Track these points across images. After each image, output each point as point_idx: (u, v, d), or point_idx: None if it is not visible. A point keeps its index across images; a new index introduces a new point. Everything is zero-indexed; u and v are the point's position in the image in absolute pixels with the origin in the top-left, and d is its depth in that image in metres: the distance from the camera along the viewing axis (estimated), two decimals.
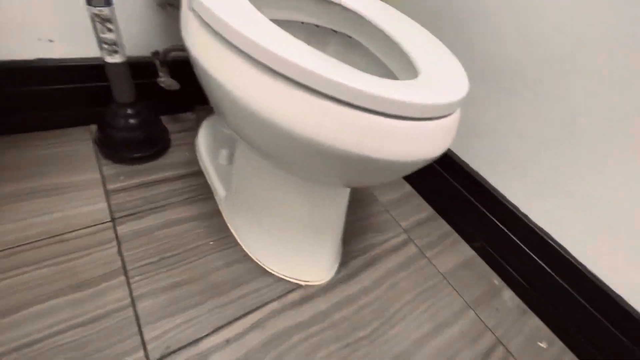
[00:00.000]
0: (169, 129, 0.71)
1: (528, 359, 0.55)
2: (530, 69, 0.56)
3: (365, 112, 0.28)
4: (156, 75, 0.66)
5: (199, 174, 0.66)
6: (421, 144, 0.30)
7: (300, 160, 0.35)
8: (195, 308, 0.47)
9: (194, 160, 0.68)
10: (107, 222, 0.54)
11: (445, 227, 0.73)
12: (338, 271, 0.58)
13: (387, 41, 0.42)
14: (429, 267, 0.64)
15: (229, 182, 0.61)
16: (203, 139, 0.70)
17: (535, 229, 0.60)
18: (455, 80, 0.33)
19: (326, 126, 0.29)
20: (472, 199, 0.69)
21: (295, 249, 0.53)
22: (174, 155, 0.67)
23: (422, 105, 0.28)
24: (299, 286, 0.54)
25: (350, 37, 0.48)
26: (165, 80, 0.63)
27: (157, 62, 0.63)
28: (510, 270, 0.65)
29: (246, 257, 0.55)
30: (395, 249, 0.65)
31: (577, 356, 0.57)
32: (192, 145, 0.71)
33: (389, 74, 0.45)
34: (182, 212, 0.58)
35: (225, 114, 0.38)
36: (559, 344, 0.59)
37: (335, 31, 0.50)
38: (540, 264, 0.60)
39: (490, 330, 0.57)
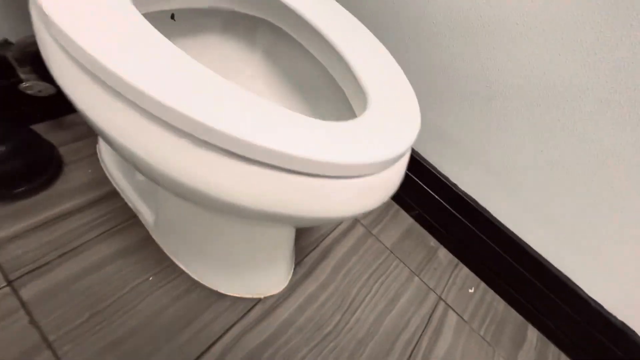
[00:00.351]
0: (54, 141, 0.56)
1: (462, 306, 0.65)
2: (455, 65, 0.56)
3: (299, 175, 0.25)
4: (14, 74, 0.48)
5: (113, 194, 0.55)
6: (366, 199, 0.28)
7: (225, 213, 0.31)
8: (151, 358, 0.43)
9: (101, 178, 0.56)
10: (3, 287, 0.42)
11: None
12: (295, 272, 0.57)
13: (326, 46, 0.36)
14: (377, 245, 0.68)
15: (155, 202, 0.53)
16: (108, 149, 0.57)
17: (463, 195, 0.67)
18: (406, 113, 0.30)
19: (249, 191, 0.26)
20: (408, 172, 0.72)
21: (248, 268, 0.50)
22: (72, 177, 0.54)
23: (367, 164, 0.25)
24: (258, 300, 0.52)
25: (280, 27, 0.41)
26: (32, 85, 0.47)
27: (13, 60, 0.46)
28: (443, 231, 0.73)
29: (196, 284, 0.50)
30: (345, 233, 0.67)
31: (496, 292, 0.70)
32: (94, 158, 0.58)
33: (327, 77, 0.40)
34: (103, 249, 0.49)
35: (124, 158, 0.31)
36: (483, 286, 0.70)
37: (262, 19, 0.41)
38: (466, 224, 0.69)
39: (433, 290, 0.65)
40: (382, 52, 0.36)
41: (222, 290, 0.51)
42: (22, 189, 0.48)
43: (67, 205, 0.51)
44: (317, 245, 0.63)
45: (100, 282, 0.46)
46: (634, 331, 0.58)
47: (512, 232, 0.65)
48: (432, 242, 0.73)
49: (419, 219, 0.75)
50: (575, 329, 0.63)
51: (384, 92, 0.31)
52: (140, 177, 0.55)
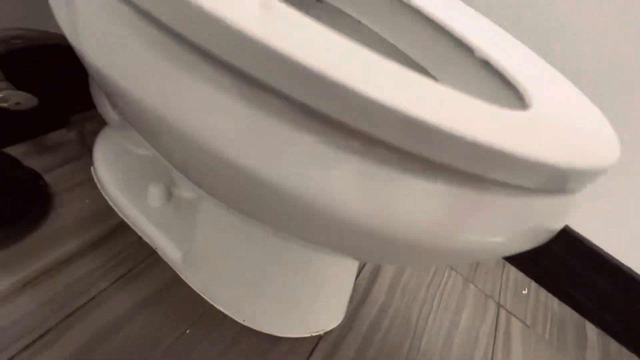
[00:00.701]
0: (37, 167, 0.44)
1: (521, 311, 0.60)
2: None
3: (487, 185, 0.17)
4: None
5: (122, 227, 0.44)
6: (549, 227, 0.20)
7: (301, 232, 0.22)
8: None
9: (103, 209, 0.44)
10: None
11: None
12: (351, 298, 0.49)
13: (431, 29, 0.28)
14: None
15: (184, 234, 0.42)
16: (108, 171, 0.46)
17: None
18: (588, 116, 0.23)
19: (397, 203, 0.17)
20: None
21: (307, 302, 0.41)
22: (66, 212, 0.42)
23: (587, 171, 0.18)
24: (319, 338, 0.43)
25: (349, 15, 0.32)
26: (7, 96, 0.35)
27: None
28: None
29: (244, 330, 0.41)
30: None
31: (548, 291, 0.66)
32: (90, 184, 0.46)
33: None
34: (120, 302, 0.38)
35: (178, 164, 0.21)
36: (534, 285, 0.66)
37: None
38: None
39: (490, 297, 0.60)
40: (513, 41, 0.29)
41: (276, 333, 0.42)
42: (1, 235, 0.36)
43: (64, 250, 0.39)
44: (365, 264, 0.55)
45: (123, 346, 0.35)
46: None
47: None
48: None
49: None
50: (637, 321, 0.60)
51: (545, 87, 0.24)
52: (155, 202, 0.44)
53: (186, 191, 0.46)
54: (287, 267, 0.37)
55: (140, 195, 0.45)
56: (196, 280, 0.41)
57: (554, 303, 0.65)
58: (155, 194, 0.44)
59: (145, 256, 0.42)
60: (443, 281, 0.58)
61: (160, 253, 0.43)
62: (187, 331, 0.38)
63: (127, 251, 0.42)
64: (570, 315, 0.64)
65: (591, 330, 0.63)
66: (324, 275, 0.39)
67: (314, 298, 0.41)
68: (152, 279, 0.41)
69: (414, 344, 0.48)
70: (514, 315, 0.59)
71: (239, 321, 0.41)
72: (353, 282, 0.45)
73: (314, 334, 0.43)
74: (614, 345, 0.62)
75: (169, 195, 0.45)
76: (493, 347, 0.53)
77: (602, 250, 0.60)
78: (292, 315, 0.42)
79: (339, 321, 0.46)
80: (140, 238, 0.44)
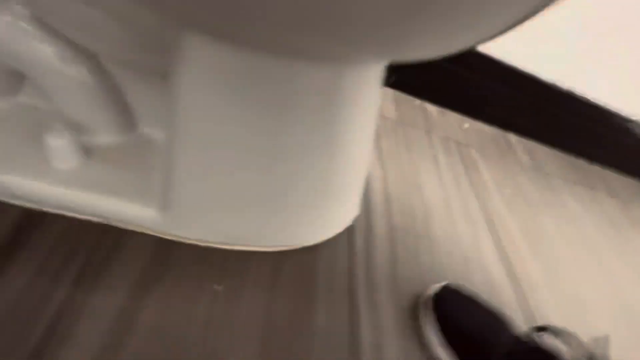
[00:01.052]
0: None
1: (474, 142, 0.68)
2: None
3: None
4: None
5: (33, 218, 0.28)
6: None
7: None
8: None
9: None
10: None
11: None
12: None
13: None
14: (382, 121, 0.60)
15: (145, 185, 0.30)
16: None
17: None
18: None
19: None
20: None
21: (334, 194, 0.36)
22: None
23: None
24: (352, 228, 0.40)
25: None
26: None
27: None
28: (418, 87, 0.71)
29: (280, 256, 0.34)
30: None
31: (478, 119, 0.76)
32: None
33: None
34: (107, 301, 0.26)
35: None
36: (467, 119, 0.74)
37: None
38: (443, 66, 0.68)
39: (452, 140, 0.65)
40: None
41: (310, 242, 0.36)
42: None
43: None
44: None
45: (147, 340, 0.25)
46: (580, 95, 0.72)
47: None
48: (417, 102, 0.71)
49: (397, 85, 0.70)
50: (544, 117, 0.75)
51: None
52: (68, 161, 0.29)
53: (107, 134, 0.31)
54: (301, 157, 0.30)
55: (38, 162, 0.28)
56: (193, 230, 0.31)
57: (485, 128, 0.75)
58: (61, 148, 0.28)
59: (99, 236, 0.29)
60: (412, 139, 0.60)
61: (121, 224, 0.29)
62: (220, 287, 0.29)
63: (66, 242, 0.27)
64: (496, 132, 0.76)
65: (513, 138, 0.77)
66: (344, 157, 0.33)
67: (341, 187, 0.36)
68: (129, 259, 0.28)
69: (424, 201, 0.49)
70: (472, 148, 0.66)
71: (268, 250, 0.33)
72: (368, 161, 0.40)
73: (344, 227, 0.39)
74: (533, 144, 0.78)
75: (83, 148, 0.30)
76: (470, 177, 0.59)
77: (505, 62, 0.69)
78: (322, 215, 0.36)
79: (359, 203, 0.42)
80: (74, 219, 0.29)
